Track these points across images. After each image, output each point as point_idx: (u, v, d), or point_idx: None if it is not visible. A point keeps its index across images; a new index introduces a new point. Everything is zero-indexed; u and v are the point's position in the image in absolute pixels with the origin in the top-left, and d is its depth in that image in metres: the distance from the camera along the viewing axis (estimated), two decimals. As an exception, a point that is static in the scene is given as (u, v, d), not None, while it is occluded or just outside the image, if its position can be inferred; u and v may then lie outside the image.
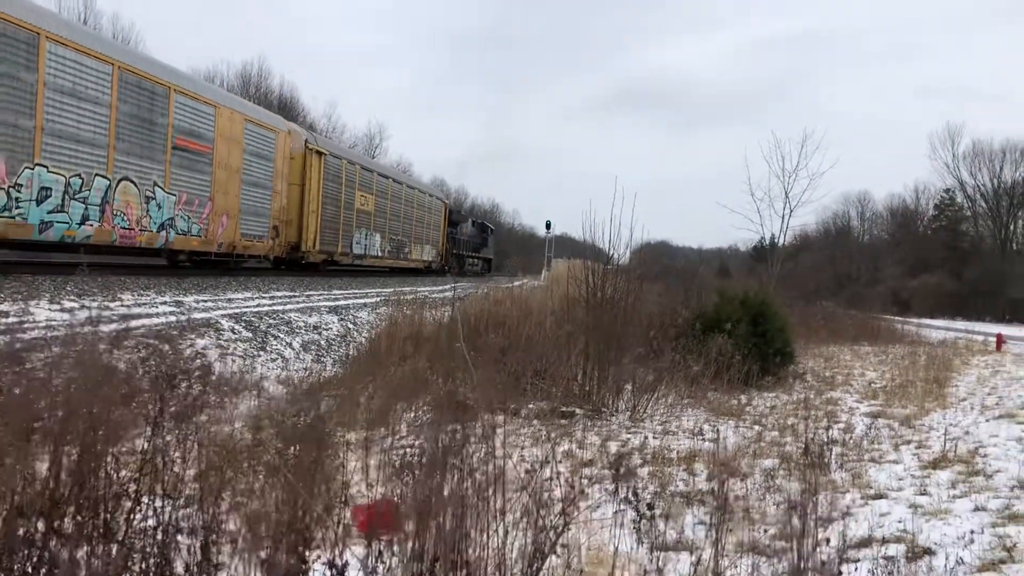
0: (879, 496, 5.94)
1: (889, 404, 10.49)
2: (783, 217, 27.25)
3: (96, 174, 13.00)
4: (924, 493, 6.05)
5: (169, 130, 14.89)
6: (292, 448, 2.72)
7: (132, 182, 13.93)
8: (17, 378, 2.50)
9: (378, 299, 17.28)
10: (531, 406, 8.58)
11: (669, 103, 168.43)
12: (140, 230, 14.18)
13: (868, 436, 8.16)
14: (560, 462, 6.40)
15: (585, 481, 5.62)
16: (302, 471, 2.50)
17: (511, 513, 3.95)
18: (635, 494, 4.51)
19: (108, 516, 2.47)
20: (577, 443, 7.18)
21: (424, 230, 33.46)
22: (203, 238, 16.24)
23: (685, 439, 7.74)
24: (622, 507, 4.44)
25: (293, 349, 11.68)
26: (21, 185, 11.49)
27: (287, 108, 48.25)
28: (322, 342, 12.77)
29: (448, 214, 38.30)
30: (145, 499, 2.59)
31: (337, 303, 16.14)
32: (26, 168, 11.56)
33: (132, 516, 2.55)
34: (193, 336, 10.07)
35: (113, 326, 2.87)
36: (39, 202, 11.85)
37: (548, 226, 44.09)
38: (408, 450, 5.55)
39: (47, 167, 11.95)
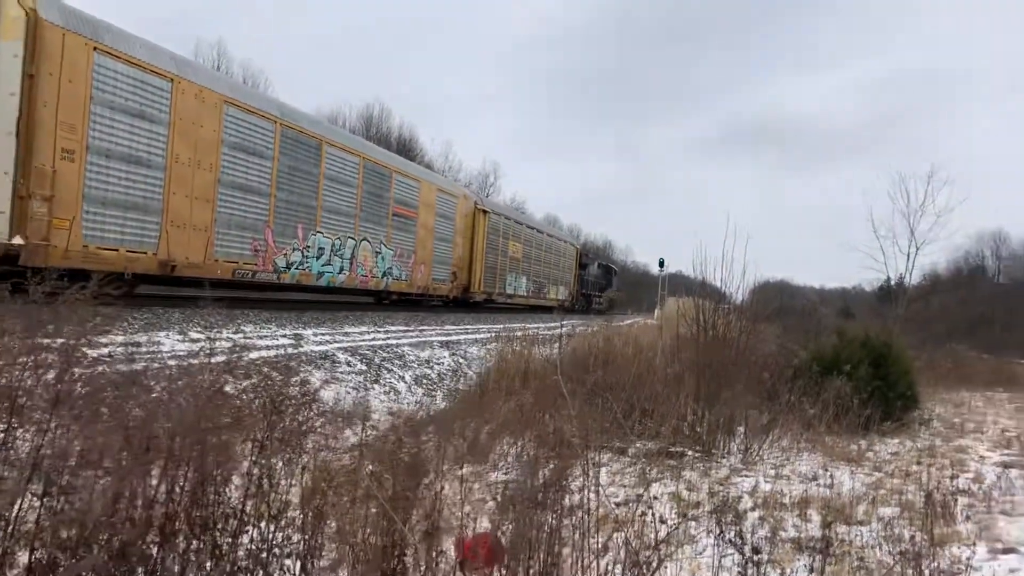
0: (1009, 551, 5.53)
1: (1026, 454, 9.79)
2: (908, 255, 26.03)
3: (348, 237, 17.93)
4: (1062, 551, 5.60)
5: (391, 202, 20.03)
6: (392, 476, 2.79)
7: (368, 242, 18.92)
8: (140, 402, 2.67)
9: (489, 335, 17.49)
10: (639, 446, 8.46)
11: (780, 141, 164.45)
12: (371, 276, 19.28)
13: (1000, 487, 7.62)
14: (665, 503, 6.28)
15: (692, 523, 5.49)
16: (399, 500, 2.56)
17: (611, 552, 3.90)
18: (741, 536, 4.38)
19: (217, 535, 2.59)
20: (686, 484, 7.02)
21: (559, 272, 38.11)
22: (408, 282, 21.36)
23: (799, 484, 7.44)
24: (728, 550, 4.31)
25: (405, 382, 11.96)
26: (309, 247, 16.38)
27: (406, 148, 49.91)
28: (433, 376, 13.02)
29: (579, 258, 42.38)
30: (251, 521, 2.71)
31: (449, 338, 16.45)
32: (311, 235, 16.44)
33: (239, 537, 2.68)
34: (310, 367, 10.48)
35: (233, 357, 3.04)
36: (317, 258, 16.71)
37: (661, 264, 43.67)
38: (511, 485, 5.56)
39: (323, 233, 16.85)
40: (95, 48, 11.03)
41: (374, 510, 2.88)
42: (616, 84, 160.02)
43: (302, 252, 16.03)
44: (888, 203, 37.09)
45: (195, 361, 3.71)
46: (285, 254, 15.62)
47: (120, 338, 8.59)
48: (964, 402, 15.31)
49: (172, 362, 6.01)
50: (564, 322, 14.03)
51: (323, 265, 16.86)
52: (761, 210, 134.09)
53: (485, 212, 26.83)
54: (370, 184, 18.76)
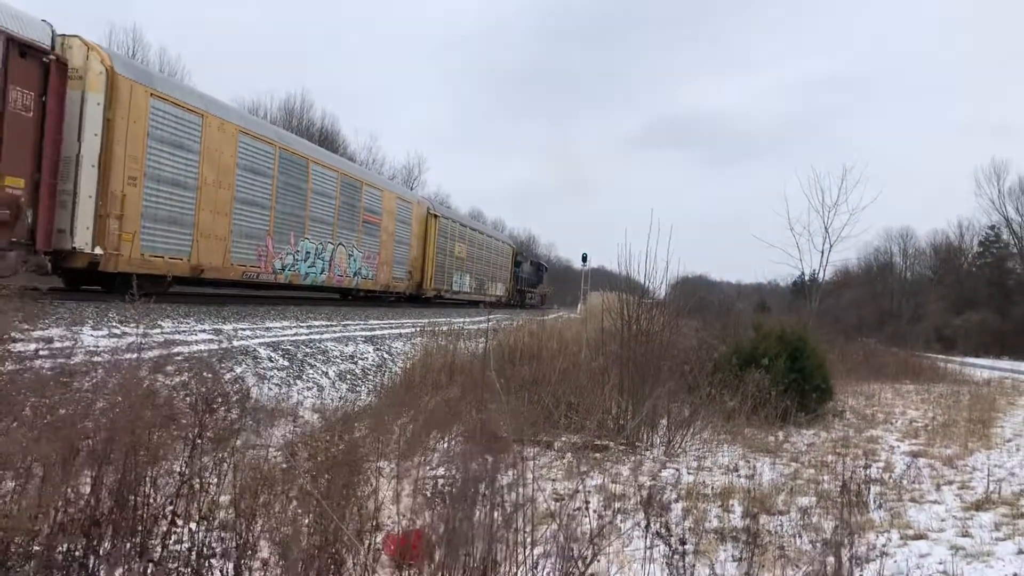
0: (919, 537, 5.81)
1: (931, 443, 10.26)
2: (823, 252, 26.94)
3: (328, 242, 20.55)
4: (966, 535, 5.90)
5: (361, 211, 22.72)
6: (325, 474, 2.75)
7: (343, 246, 21.50)
8: (64, 400, 2.57)
9: (414, 329, 17.40)
10: (564, 439, 8.55)
11: (703, 140, 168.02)
12: (345, 276, 21.91)
13: (909, 475, 7.98)
14: (592, 496, 6.36)
15: (618, 515, 5.58)
16: (335, 497, 2.53)
17: (541, 544, 3.94)
18: (667, 528, 4.48)
19: (145, 537, 2.52)
20: (610, 477, 7.13)
21: (497, 271, 41.12)
22: (374, 281, 24.19)
23: (720, 475, 7.65)
24: (654, 542, 4.41)
25: (329, 378, 11.79)
26: (299, 251, 18.91)
27: (328, 140, 49.09)
28: (357, 371, 12.87)
29: (515, 256, 45.61)
30: (180, 521, 2.64)
31: (373, 333, 16.28)
32: (300, 240, 18.96)
33: (168, 538, 2.61)
34: (230, 363, 10.22)
35: (155, 352, 2.96)
36: (304, 261, 19.22)
37: (584, 259, 44.12)
38: (439, 480, 5.56)
39: (309, 239, 19.39)
40: (151, 94, 13.52)
41: (308, 508, 2.85)
42: (543, 81, 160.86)
43: (293, 256, 18.70)
44: (803, 201, 38.12)
45: (117, 357, 3.59)
46: (281, 258, 18.18)
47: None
48: (875, 394, 15.96)
49: (96, 358, 5.77)
50: (491, 317, 14.03)
51: (308, 267, 19.52)
52: (681, 206, 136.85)
53: (436, 216, 29.75)
54: (345, 195, 21.55)
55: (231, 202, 15.98)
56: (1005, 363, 38.68)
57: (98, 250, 12.23)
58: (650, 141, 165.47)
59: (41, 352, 5.43)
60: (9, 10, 11.28)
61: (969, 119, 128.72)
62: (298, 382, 10.95)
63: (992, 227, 62.51)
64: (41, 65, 11.40)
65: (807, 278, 32.72)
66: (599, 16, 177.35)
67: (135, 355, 2.96)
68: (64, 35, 12.21)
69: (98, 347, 8.10)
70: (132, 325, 10.41)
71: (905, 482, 7.70)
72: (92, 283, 13.86)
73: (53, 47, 11.73)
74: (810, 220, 33.92)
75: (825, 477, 7.54)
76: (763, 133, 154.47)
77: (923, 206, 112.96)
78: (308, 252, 19.36)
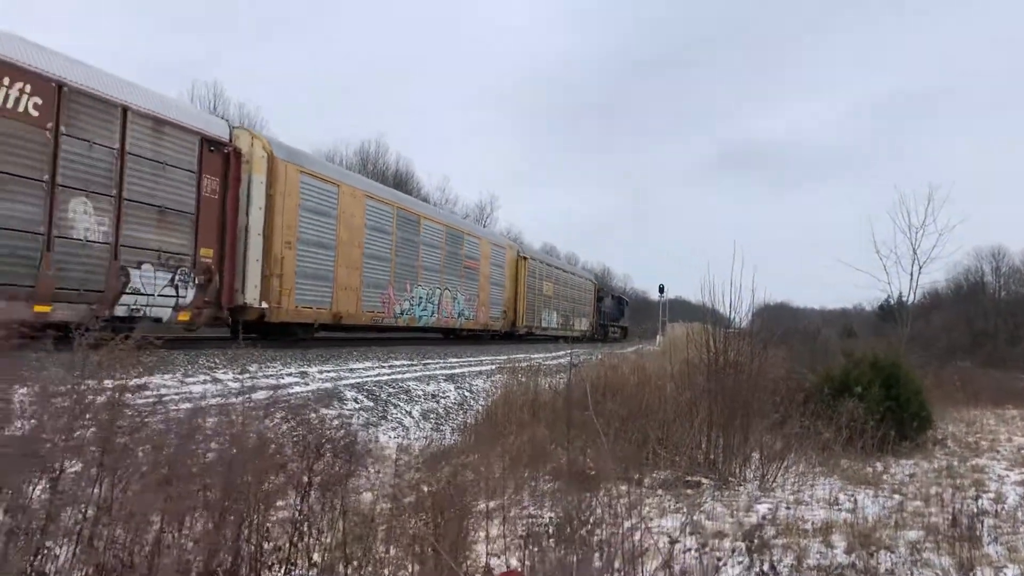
0: (1041, 573, 5.47)
1: (1043, 473, 9.73)
2: (911, 274, 25.97)
3: (436, 288, 23.03)
4: (1094, 571, 5.53)
5: (463, 258, 25.23)
6: (439, 516, 2.74)
7: (448, 290, 23.98)
8: (183, 451, 2.63)
9: (492, 366, 17.40)
10: (654, 475, 8.39)
11: (772, 165, 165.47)
12: (451, 317, 24.38)
13: (1023, 507, 7.55)
14: (687, 533, 6.19)
15: (717, 554, 5.41)
16: (448, 538, 2.51)
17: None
18: (773, 568, 4.32)
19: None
20: (705, 514, 6.95)
21: (581, 307, 42.79)
22: (474, 321, 26.53)
23: (820, 509, 7.37)
24: (760, 582, 4.25)
25: (412, 417, 11.86)
26: (414, 297, 21.51)
27: (402, 183, 50.07)
28: (440, 410, 12.92)
29: (597, 292, 47.03)
30: (294, 569, 2.66)
31: (453, 371, 16.35)
32: (414, 287, 21.53)
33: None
34: (317, 405, 10.36)
35: (261, 395, 3.03)
36: (418, 306, 21.85)
37: (661, 290, 43.86)
38: (531, 520, 5.50)
39: (421, 286, 21.97)
40: (300, 171, 15.98)
41: (412, 552, 2.84)
42: (609, 115, 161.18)
43: (410, 301, 21.31)
44: (888, 223, 36.87)
45: (223, 401, 3.67)
46: (400, 304, 20.72)
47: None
48: (975, 420, 15.24)
49: (187, 404, 5.92)
50: (571, 351, 13.99)
51: (421, 311, 22.17)
52: (756, 233, 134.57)
53: (525, 259, 32.61)
54: (449, 245, 24.18)
55: (361, 257, 18.56)
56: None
57: (264, 304, 14.65)
58: (719, 168, 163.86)
59: (144, 399, 5.60)
60: (202, 115, 14.85)
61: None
62: (383, 422, 11.04)
63: (1092, 241, 59.47)
64: (223, 155, 13.78)
65: (893, 301, 31.63)
66: (661, 50, 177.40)
67: (241, 400, 3.02)
68: (233, 127, 14.76)
69: (193, 393, 8.34)
70: (222, 371, 10.73)
71: (1020, 514, 7.29)
72: (253, 332, 15.43)
73: (230, 139, 14.13)
74: (896, 242, 32.85)
75: (932, 509, 7.20)
76: (838, 158, 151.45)
77: (1016, 222, 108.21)
78: (421, 297, 22.05)
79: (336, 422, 3.32)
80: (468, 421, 12.44)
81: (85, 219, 11.18)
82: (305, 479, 2.73)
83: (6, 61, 9.97)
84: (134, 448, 2.45)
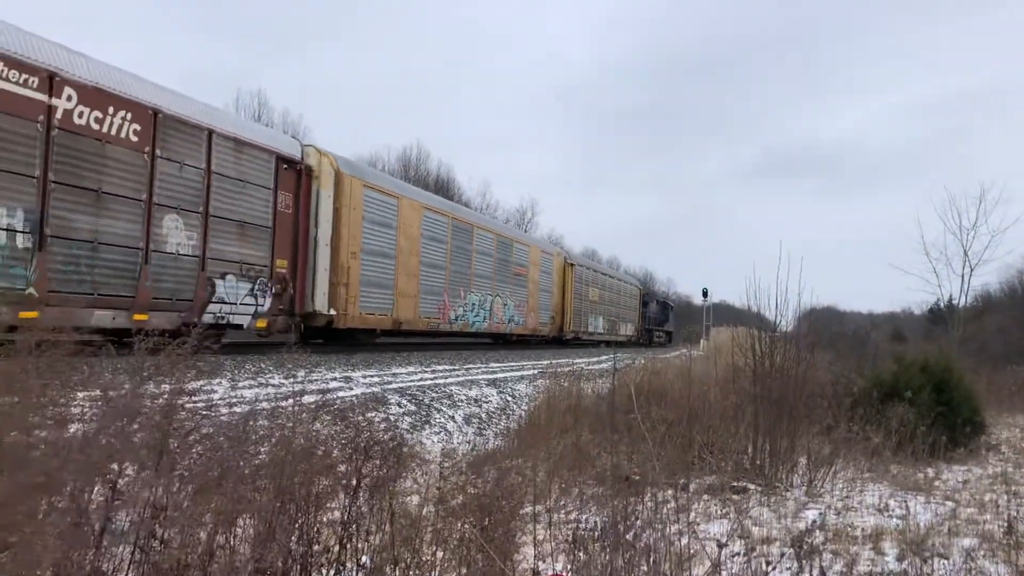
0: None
1: (1103, 479, 9.43)
2: (963, 277, 25.37)
3: (487, 294, 24.07)
4: None
5: (513, 265, 26.20)
6: (486, 519, 2.76)
7: (499, 296, 25.04)
8: (236, 454, 2.69)
9: (534, 371, 17.40)
10: (699, 480, 8.31)
11: (818, 168, 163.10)
12: (502, 323, 25.38)
13: (1082, 515, 7.33)
14: (733, 539, 6.13)
15: (766, 559, 5.34)
16: (497, 542, 2.53)
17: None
18: (823, 574, 4.26)
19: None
20: (752, 520, 6.87)
21: (627, 311, 43.30)
22: (523, 326, 27.48)
23: (869, 515, 7.24)
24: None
25: (456, 422, 11.91)
26: (467, 303, 22.52)
27: (444, 188, 50.43)
28: (482, 415, 12.95)
29: (642, 297, 47.43)
30: (344, 569, 2.70)
31: (495, 376, 16.39)
32: (467, 294, 22.55)
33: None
34: (363, 409, 10.46)
35: (308, 399, 3.09)
36: (471, 312, 22.87)
37: (705, 294, 43.47)
38: (577, 524, 5.48)
39: (474, 293, 22.99)
40: (364, 185, 16.97)
41: (458, 553, 2.86)
42: (650, 119, 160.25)
43: (463, 308, 22.28)
44: (938, 225, 36.16)
45: (274, 405, 3.74)
46: (454, 310, 21.69)
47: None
48: (1031, 425, 14.85)
49: (238, 408, 6.03)
50: (615, 355, 13.95)
51: (474, 317, 23.17)
52: (801, 236, 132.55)
53: (572, 265, 33.26)
54: (500, 253, 25.22)
55: (418, 266, 19.54)
56: None
57: (332, 311, 15.64)
58: (763, 172, 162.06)
59: (194, 403, 5.71)
60: (276, 135, 16.38)
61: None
62: (426, 427, 11.10)
63: None
64: (295, 172, 14.91)
65: (943, 304, 30.96)
66: (705, 54, 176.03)
67: (291, 404, 3.07)
68: (303, 144, 15.76)
69: (244, 398, 8.48)
70: (269, 375, 10.90)
71: (1079, 522, 7.08)
72: (318, 338, 16.95)
73: (302, 157, 15.19)
74: (946, 244, 32.11)
75: (987, 516, 7.03)
76: (887, 157, 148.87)
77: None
78: (474, 304, 23.07)
79: (383, 425, 3.35)
80: (511, 426, 12.46)
81: (176, 234, 12.08)
82: (354, 481, 2.78)
83: (113, 93, 10.94)
84: (188, 450, 2.51)
